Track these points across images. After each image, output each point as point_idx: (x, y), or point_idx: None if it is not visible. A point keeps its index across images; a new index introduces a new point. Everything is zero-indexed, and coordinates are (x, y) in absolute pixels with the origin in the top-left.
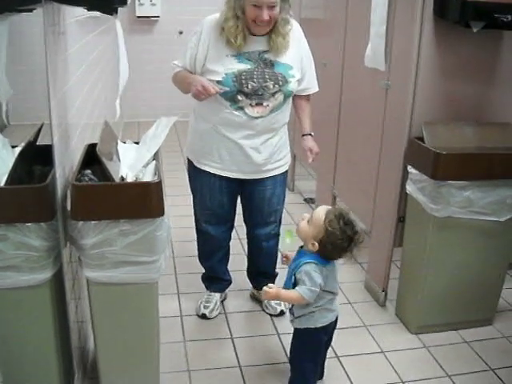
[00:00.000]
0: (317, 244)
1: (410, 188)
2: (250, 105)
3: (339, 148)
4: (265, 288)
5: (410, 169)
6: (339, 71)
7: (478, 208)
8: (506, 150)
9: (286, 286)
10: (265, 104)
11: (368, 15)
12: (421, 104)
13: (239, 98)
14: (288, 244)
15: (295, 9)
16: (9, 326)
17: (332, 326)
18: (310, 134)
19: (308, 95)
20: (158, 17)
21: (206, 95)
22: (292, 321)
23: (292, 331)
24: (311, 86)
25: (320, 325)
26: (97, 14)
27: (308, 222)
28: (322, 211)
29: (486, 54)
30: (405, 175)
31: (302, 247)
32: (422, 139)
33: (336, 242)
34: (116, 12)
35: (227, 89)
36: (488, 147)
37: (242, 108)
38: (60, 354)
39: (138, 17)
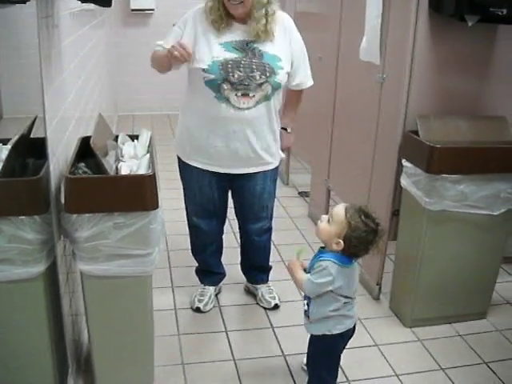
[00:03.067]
0: (341, 242)
1: (404, 182)
2: (236, 95)
3: (334, 142)
4: (291, 261)
5: (405, 162)
6: (334, 65)
7: (472, 202)
8: (501, 143)
9: None
10: (251, 95)
11: (363, 9)
12: (415, 97)
13: (225, 87)
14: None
15: (291, 2)
16: (2, 319)
17: (350, 333)
18: (285, 129)
19: (301, 89)
20: (152, 10)
21: (182, 51)
22: (307, 325)
23: (286, 324)
24: (305, 81)
25: (336, 331)
26: (91, 6)
27: (328, 221)
28: (341, 208)
29: (481, 48)
30: (399, 169)
31: (322, 248)
32: (416, 133)
33: (361, 236)
34: (110, 4)
35: (212, 76)
36: (482, 141)
37: (227, 99)
38: (54, 347)
39: (133, 10)
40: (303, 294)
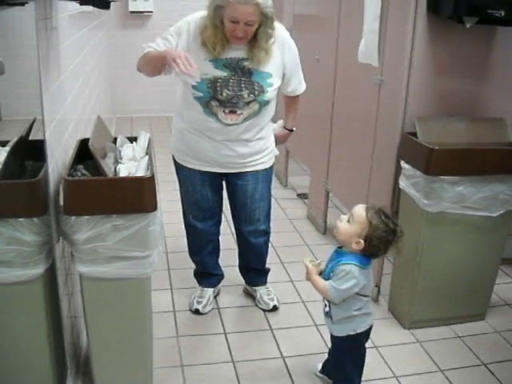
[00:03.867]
0: (362, 242)
1: (402, 183)
2: (224, 111)
3: (332, 143)
4: (309, 264)
5: (403, 164)
6: (332, 66)
7: (470, 203)
8: (499, 145)
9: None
10: (238, 112)
11: (361, 11)
12: (414, 99)
13: (213, 104)
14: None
15: (289, 5)
16: (1, 321)
17: (370, 329)
18: (291, 130)
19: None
20: (151, 12)
21: (185, 64)
22: (331, 326)
23: (285, 326)
24: (298, 87)
25: (360, 330)
26: (89, 8)
27: (348, 221)
28: (361, 208)
29: (480, 50)
30: (398, 170)
31: (339, 247)
32: (415, 134)
33: (382, 236)
34: (109, 7)
35: (201, 94)
36: (481, 143)
37: (215, 114)
38: (53, 349)
39: (131, 12)
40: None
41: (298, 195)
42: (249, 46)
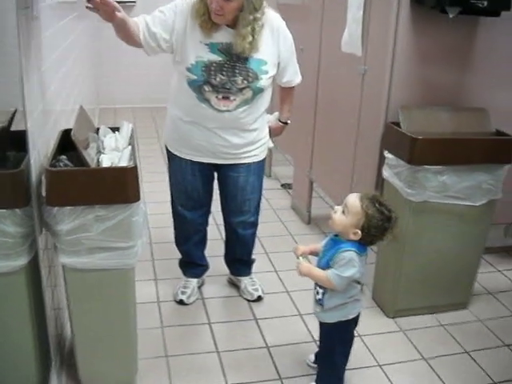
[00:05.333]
0: (359, 231)
1: (386, 173)
2: (217, 97)
3: (316, 133)
4: (299, 261)
5: (387, 154)
6: (316, 56)
7: (453, 193)
8: (481, 135)
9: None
10: (231, 98)
11: (345, 0)
12: (397, 89)
13: (206, 88)
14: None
15: None
16: None
17: (359, 315)
18: (285, 123)
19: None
20: (134, 2)
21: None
22: (319, 314)
23: (269, 316)
24: (294, 78)
25: (351, 316)
26: None
27: (343, 212)
28: (355, 198)
29: (462, 40)
30: (381, 160)
31: (335, 236)
32: (398, 124)
33: (378, 224)
34: None
35: (195, 77)
36: (464, 132)
37: (207, 100)
38: (37, 341)
39: None
40: (313, 282)
41: (282, 185)
42: (235, 38)
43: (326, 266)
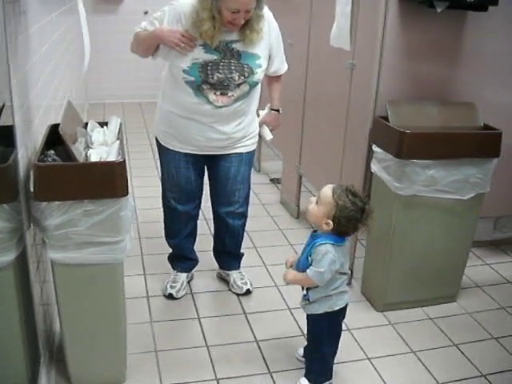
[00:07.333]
0: (331, 222)
1: (374, 167)
2: (215, 94)
3: (305, 128)
4: (284, 271)
5: (375, 148)
6: (305, 51)
7: (441, 186)
8: (469, 129)
9: (301, 269)
10: (229, 94)
11: None
12: (385, 83)
13: (204, 87)
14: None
15: None
16: None
17: (346, 306)
18: (277, 110)
19: (279, 75)
20: None
21: (186, 43)
22: (305, 306)
23: (258, 310)
24: (280, 67)
25: (337, 307)
26: None
27: (317, 203)
28: (328, 189)
29: (450, 34)
30: (370, 154)
31: (314, 231)
32: (386, 118)
33: (349, 215)
34: None
35: (192, 79)
36: (452, 126)
37: (206, 97)
38: (25, 337)
39: None
40: None
41: (271, 180)
42: (241, 29)
43: (305, 261)
